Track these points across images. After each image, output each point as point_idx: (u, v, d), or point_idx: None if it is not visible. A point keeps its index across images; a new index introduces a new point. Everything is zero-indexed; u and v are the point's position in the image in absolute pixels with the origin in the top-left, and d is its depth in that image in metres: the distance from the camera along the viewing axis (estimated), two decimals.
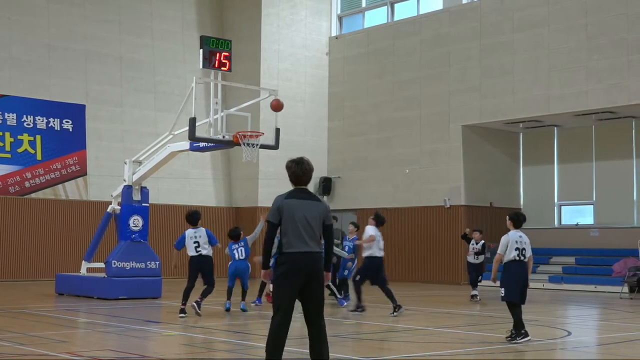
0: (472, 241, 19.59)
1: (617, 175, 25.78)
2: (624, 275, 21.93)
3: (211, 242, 14.38)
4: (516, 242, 11.14)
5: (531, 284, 26.74)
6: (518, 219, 11.40)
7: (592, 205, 26.52)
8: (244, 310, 15.22)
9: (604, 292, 22.64)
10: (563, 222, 27.26)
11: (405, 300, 17.22)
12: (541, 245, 26.89)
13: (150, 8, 28.28)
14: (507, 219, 11.47)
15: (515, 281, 11.11)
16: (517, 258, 11.11)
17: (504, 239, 11.23)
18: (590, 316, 17.10)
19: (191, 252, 14.21)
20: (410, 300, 19.13)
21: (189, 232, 14.30)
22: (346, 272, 17.08)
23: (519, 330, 11.13)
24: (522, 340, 11.03)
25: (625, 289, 21.41)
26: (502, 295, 11.18)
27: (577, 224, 26.80)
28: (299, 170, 7.74)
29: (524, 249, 11.17)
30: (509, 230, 11.37)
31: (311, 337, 7.65)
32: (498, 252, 11.33)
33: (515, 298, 11.13)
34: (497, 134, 27.47)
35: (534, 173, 28.07)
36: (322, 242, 7.77)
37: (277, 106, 16.78)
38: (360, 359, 9.68)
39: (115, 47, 27.37)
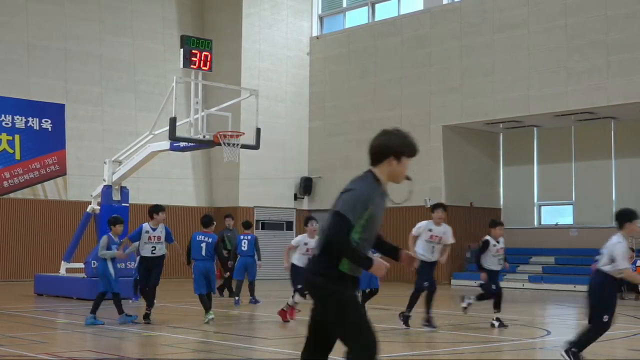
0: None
1: (597, 176, 25.95)
2: None
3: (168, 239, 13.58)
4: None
5: (511, 284, 26.71)
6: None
7: (571, 205, 26.68)
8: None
9: (584, 291, 22.62)
10: (543, 222, 27.40)
11: (387, 300, 17.24)
12: (521, 245, 27.04)
13: (131, 7, 28.13)
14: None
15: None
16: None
17: None
18: (569, 315, 17.18)
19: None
20: (391, 300, 19.13)
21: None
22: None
23: None
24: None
25: None
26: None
27: (556, 224, 26.95)
28: None
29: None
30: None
31: None
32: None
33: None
34: (478, 134, 27.57)
35: (514, 173, 28.19)
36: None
37: None
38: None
39: (95, 46, 27.20)
